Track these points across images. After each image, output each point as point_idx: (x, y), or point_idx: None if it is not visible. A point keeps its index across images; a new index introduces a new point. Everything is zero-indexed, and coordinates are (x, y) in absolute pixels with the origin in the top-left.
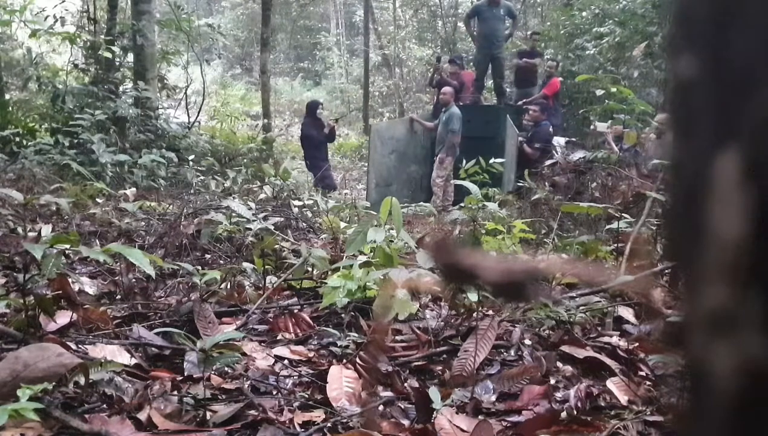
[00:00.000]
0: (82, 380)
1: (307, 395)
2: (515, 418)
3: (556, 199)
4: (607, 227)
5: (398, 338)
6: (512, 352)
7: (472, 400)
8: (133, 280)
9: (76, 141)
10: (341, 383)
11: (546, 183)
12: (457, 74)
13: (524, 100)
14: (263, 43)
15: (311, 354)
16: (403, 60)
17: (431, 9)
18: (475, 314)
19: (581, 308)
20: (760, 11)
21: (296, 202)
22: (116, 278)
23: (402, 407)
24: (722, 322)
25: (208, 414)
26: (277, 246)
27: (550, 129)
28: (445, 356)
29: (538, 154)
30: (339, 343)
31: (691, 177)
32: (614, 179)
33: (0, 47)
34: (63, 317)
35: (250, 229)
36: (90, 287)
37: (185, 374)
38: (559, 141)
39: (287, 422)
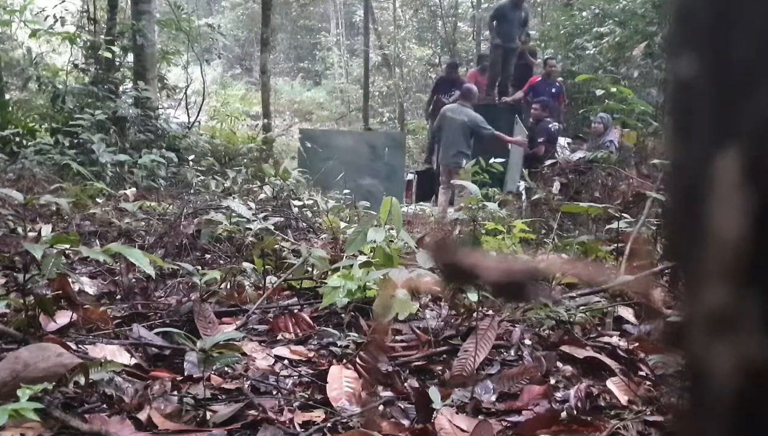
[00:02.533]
0: (82, 380)
1: (307, 395)
2: (515, 418)
3: (556, 200)
4: (607, 227)
5: (398, 338)
6: (512, 352)
7: (472, 400)
8: (133, 280)
9: (76, 141)
10: (341, 383)
11: (546, 183)
12: (457, 78)
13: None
14: (263, 43)
15: (311, 354)
16: (403, 60)
17: (431, 9)
18: (475, 314)
19: (581, 308)
20: (760, 11)
21: (296, 203)
22: (116, 278)
23: (402, 407)
24: (722, 322)
25: (208, 414)
26: (277, 246)
27: (552, 127)
28: (445, 356)
29: (543, 149)
30: (339, 343)
31: (691, 177)
32: (614, 179)
33: (0, 47)
34: (63, 317)
35: (250, 229)
36: (90, 287)
37: (185, 374)
38: (558, 141)
39: (287, 422)
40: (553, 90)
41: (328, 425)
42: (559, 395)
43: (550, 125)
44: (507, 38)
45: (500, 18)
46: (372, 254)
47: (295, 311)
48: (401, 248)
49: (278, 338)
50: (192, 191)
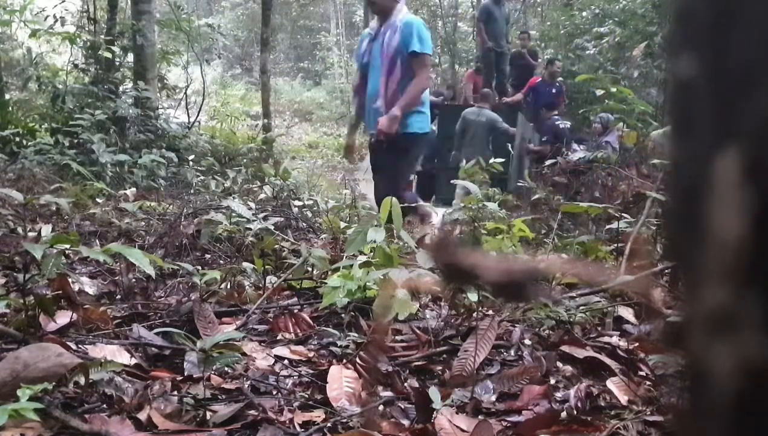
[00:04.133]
0: (82, 380)
1: (307, 395)
2: (515, 418)
3: (556, 199)
4: (607, 227)
5: (398, 338)
6: (512, 352)
7: (472, 400)
8: (133, 280)
9: (76, 141)
10: (341, 383)
11: (546, 183)
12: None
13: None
14: (263, 43)
15: (311, 354)
16: None
17: (431, 9)
18: (475, 314)
19: (581, 308)
20: (760, 11)
21: (296, 203)
22: (116, 278)
23: (402, 407)
24: (722, 322)
25: (208, 414)
26: (276, 246)
27: (561, 124)
28: (445, 356)
29: (548, 149)
30: (339, 343)
31: (691, 177)
32: (614, 179)
33: (0, 47)
34: (63, 317)
35: (250, 229)
36: (90, 286)
37: (185, 374)
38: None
39: (287, 422)
40: (554, 90)
41: (328, 425)
42: (559, 395)
43: (558, 123)
44: (497, 38)
45: (487, 18)
46: (372, 254)
47: (295, 311)
48: (401, 248)
49: (278, 338)
50: (192, 191)
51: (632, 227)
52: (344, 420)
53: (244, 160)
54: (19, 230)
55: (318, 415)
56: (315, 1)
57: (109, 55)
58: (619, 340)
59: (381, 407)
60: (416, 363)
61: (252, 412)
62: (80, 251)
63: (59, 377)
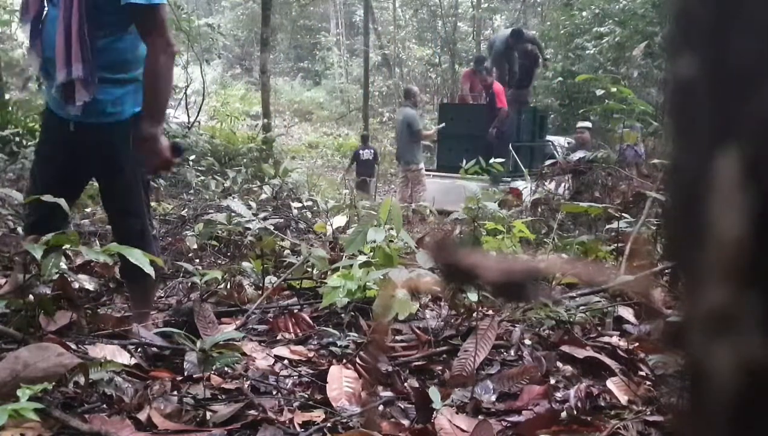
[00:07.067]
0: (82, 380)
1: (307, 395)
2: (515, 418)
3: (556, 200)
4: (607, 226)
5: (398, 338)
6: (512, 352)
7: (472, 400)
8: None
9: None
10: (341, 383)
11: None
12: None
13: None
14: (263, 43)
15: (311, 354)
16: (403, 60)
17: (431, 9)
18: (475, 314)
19: (581, 308)
20: (760, 11)
21: (296, 204)
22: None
23: (402, 407)
24: (722, 322)
25: (208, 414)
26: (276, 246)
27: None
28: (445, 356)
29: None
30: (339, 343)
31: (691, 177)
32: (614, 179)
33: (0, 47)
34: (63, 317)
35: (250, 229)
36: (89, 283)
37: (185, 374)
38: (558, 140)
39: (287, 422)
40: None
41: (328, 425)
42: (559, 395)
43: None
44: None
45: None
46: (372, 254)
47: (295, 311)
48: (401, 248)
49: (278, 338)
50: (192, 191)
51: (632, 227)
52: (344, 420)
53: (244, 160)
54: (19, 230)
55: (318, 415)
56: (315, 1)
57: None
58: (619, 340)
59: (381, 407)
60: (416, 363)
61: (252, 412)
62: (80, 250)
63: (59, 377)
